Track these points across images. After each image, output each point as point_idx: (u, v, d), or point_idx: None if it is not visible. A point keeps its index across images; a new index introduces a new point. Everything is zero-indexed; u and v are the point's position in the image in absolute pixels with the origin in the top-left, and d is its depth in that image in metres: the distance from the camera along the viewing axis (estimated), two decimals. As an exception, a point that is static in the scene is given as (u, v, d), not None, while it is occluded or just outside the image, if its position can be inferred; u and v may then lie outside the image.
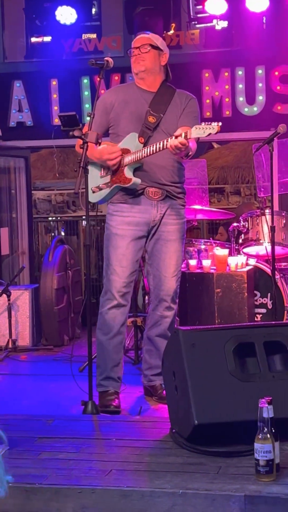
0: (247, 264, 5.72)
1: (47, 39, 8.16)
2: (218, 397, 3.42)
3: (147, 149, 4.44)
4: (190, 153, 4.45)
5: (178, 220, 4.67)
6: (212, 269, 5.58)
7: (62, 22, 7.70)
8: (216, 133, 4.18)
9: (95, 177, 4.67)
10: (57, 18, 7.68)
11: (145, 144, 4.52)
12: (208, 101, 8.02)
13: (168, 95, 4.69)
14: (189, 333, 3.60)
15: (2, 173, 8.67)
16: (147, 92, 4.66)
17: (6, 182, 8.78)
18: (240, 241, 6.06)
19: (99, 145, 4.43)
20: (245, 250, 6.04)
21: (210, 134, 4.16)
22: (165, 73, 4.77)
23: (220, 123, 4.20)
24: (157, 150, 4.38)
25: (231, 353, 3.51)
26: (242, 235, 6.07)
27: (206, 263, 5.60)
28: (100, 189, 4.67)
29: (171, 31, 8.30)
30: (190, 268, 5.62)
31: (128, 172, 4.51)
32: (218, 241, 6.45)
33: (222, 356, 3.50)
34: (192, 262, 5.64)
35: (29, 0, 8.10)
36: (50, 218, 14.44)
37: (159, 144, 4.36)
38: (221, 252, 5.64)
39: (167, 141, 4.31)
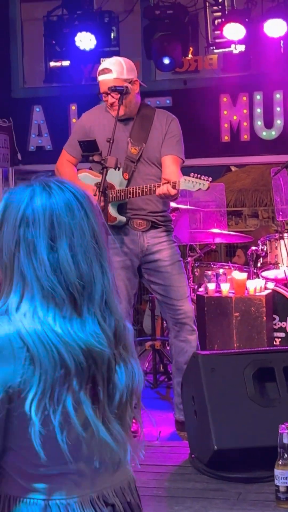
0: (265, 288, 5.70)
1: (66, 63, 8.23)
2: (238, 422, 3.41)
3: (133, 191, 4.32)
4: (178, 197, 4.35)
5: (170, 245, 4.56)
6: (230, 293, 5.56)
7: (81, 48, 7.72)
8: (206, 189, 4.12)
9: None
10: (77, 44, 7.70)
11: (129, 179, 4.42)
12: (226, 125, 8.07)
13: (148, 120, 4.52)
14: (208, 358, 3.60)
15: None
16: (125, 120, 4.42)
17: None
18: (259, 264, 6.04)
19: (118, 169, 4.40)
20: (264, 273, 6.01)
21: (200, 189, 4.11)
22: (139, 93, 4.53)
23: (210, 179, 4.14)
24: (144, 194, 4.29)
25: (251, 377, 3.50)
26: (261, 259, 6.05)
27: (225, 287, 5.58)
28: None
29: (190, 56, 8.37)
30: (209, 292, 5.60)
31: (112, 210, 4.37)
32: (236, 265, 6.44)
33: (241, 381, 3.49)
34: (211, 286, 5.63)
35: (48, 26, 8.18)
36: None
37: (146, 188, 4.27)
38: (239, 275, 5.62)
39: (154, 186, 4.21)
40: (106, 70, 4.42)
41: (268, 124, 7.98)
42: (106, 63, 4.48)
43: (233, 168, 14.95)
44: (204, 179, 4.12)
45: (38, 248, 1.53)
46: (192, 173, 4.19)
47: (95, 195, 4.44)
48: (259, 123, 7.99)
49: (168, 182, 4.15)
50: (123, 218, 4.44)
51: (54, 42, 8.10)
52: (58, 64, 8.38)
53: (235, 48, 7.67)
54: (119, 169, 4.38)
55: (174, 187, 4.13)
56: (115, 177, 4.38)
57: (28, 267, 1.53)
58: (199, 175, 4.13)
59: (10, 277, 1.55)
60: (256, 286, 5.56)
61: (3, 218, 1.56)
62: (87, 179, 4.61)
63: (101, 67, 4.47)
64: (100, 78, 4.44)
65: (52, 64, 8.44)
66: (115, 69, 4.41)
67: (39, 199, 1.55)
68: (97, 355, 1.53)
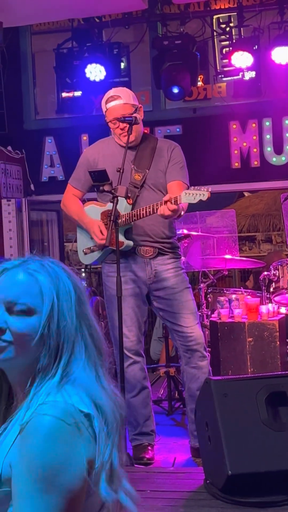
0: (278, 313, 5.72)
1: (78, 93, 8.32)
2: (251, 446, 3.42)
3: (137, 213, 4.41)
4: (182, 214, 4.41)
5: (177, 272, 4.61)
6: (243, 318, 5.58)
7: (91, 79, 7.82)
8: (206, 199, 4.14)
9: (86, 238, 4.66)
10: (87, 75, 7.79)
11: (133, 204, 4.50)
12: (236, 152, 8.14)
13: (151, 148, 4.62)
14: (221, 383, 3.62)
15: (35, 226, 8.80)
16: (129, 148, 4.51)
17: (39, 235, 8.91)
18: (271, 289, 6.07)
19: (129, 198, 4.46)
20: (276, 298, 6.04)
21: (200, 200, 4.13)
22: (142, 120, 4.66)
23: (210, 189, 4.16)
24: (147, 214, 4.36)
25: (263, 402, 3.52)
26: (273, 284, 6.08)
27: (238, 312, 5.60)
28: (92, 251, 4.66)
29: (200, 83, 8.46)
30: (222, 318, 5.62)
31: (119, 235, 4.43)
32: (249, 290, 6.47)
33: (254, 406, 3.51)
34: (224, 312, 5.65)
35: (59, 58, 8.28)
36: (83, 269, 14.51)
37: (149, 208, 4.34)
38: (252, 301, 5.65)
39: (157, 205, 4.27)
40: (115, 97, 4.55)
41: (278, 150, 8.04)
42: (112, 91, 4.60)
43: (246, 194, 15.03)
44: (204, 190, 4.15)
45: (88, 315, 1.74)
46: (192, 187, 4.23)
47: (106, 224, 4.51)
48: (268, 149, 8.06)
49: (169, 200, 4.19)
50: (130, 243, 4.50)
51: (64, 74, 8.20)
52: (70, 94, 8.46)
53: (245, 75, 7.76)
54: (129, 198, 4.45)
55: (175, 202, 4.18)
56: (121, 204, 4.45)
57: (82, 335, 1.70)
58: (198, 187, 4.17)
59: (57, 348, 1.62)
60: (269, 311, 5.58)
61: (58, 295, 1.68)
62: (93, 210, 4.69)
63: (108, 95, 4.58)
64: (109, 105, 4.56)
65: (64, 94, 8.53)
66: (123, 95, 4.55)
67: (64, 277, 1.74)
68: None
